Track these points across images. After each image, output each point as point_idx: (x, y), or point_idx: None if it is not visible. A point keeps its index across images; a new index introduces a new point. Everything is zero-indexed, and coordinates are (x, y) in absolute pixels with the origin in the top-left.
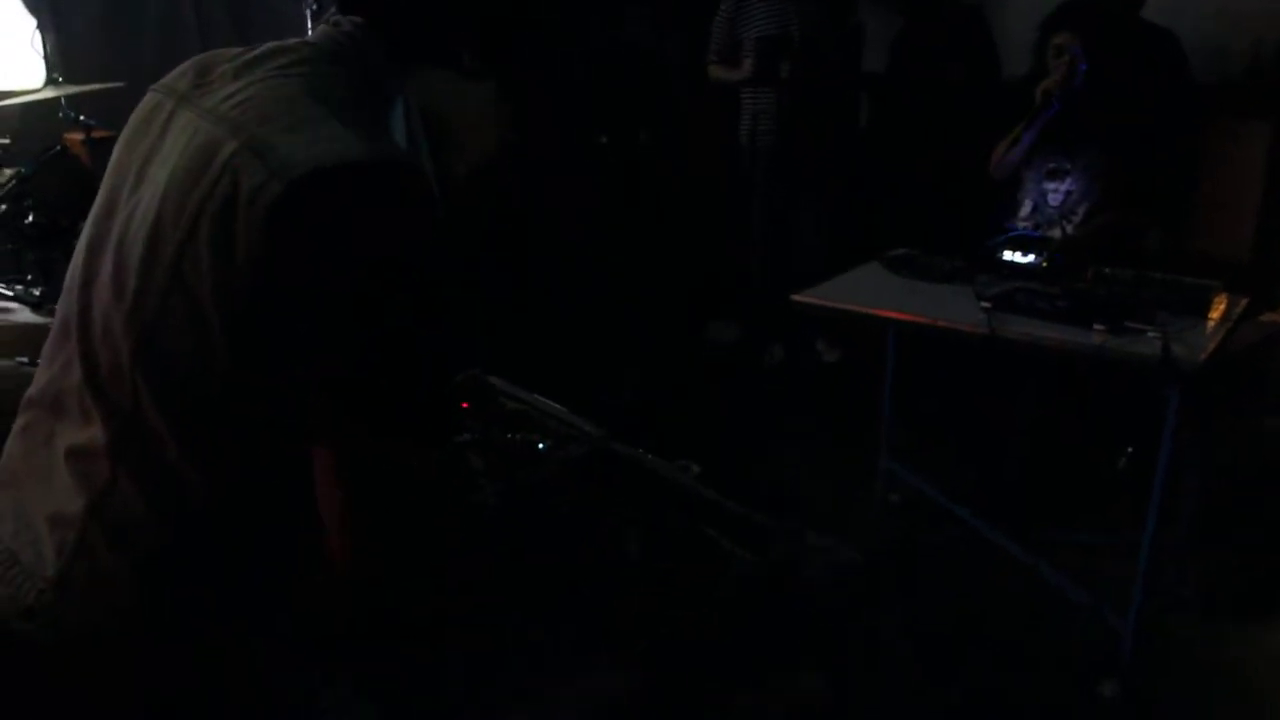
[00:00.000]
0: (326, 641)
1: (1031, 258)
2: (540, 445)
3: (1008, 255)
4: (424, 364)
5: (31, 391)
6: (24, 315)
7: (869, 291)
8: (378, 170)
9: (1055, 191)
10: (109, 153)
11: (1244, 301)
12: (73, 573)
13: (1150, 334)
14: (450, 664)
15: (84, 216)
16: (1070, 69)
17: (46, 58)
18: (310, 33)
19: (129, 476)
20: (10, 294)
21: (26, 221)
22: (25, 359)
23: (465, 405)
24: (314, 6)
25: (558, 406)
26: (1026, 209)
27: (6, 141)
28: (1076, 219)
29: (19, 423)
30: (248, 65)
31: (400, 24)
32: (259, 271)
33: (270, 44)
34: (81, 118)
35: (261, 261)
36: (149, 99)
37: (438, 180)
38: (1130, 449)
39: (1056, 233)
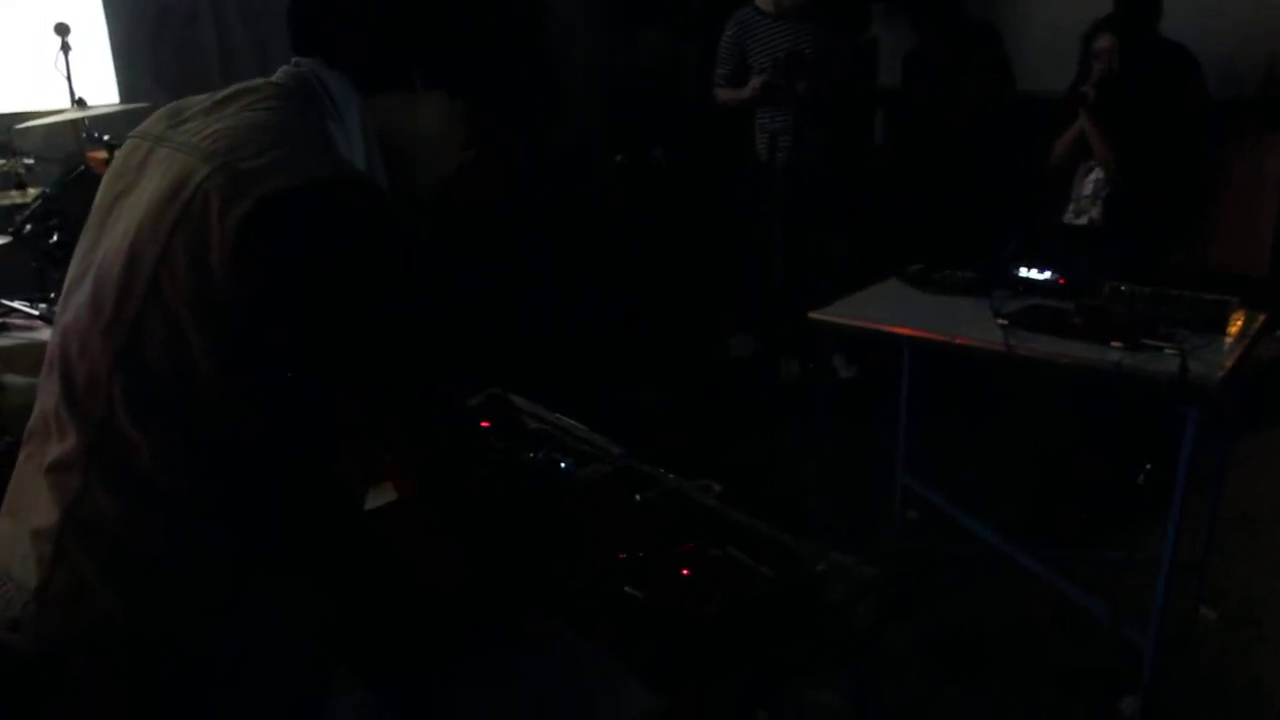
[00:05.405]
0: (316, 640)
1: (1048, 274)
2: (562, 465)
3: (1023, 271)
4: (405, 359)
5: (30, 424)
6: (48, 334)
7: (885, 308)
8: (338, 188)
9: (1088, 181)
10: None
11: (1262, 317)
12: (52, 582)
13: (1168, 351)
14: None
15: None
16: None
17: (69, 78)
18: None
19: (100, 483)
20: (35, 313)
21: (51, 241)
22: None
23: (487, 424)
24: None
25: (580, 425)
26: (1085, 190)
27: (30, 161)
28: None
29: (22, 456)
30: (217, 104)
31: (349, 58)
32: (232, 281)
33: (237, 85)
34: (106, 137)
35: (234, 272)
36: (127, 145)
37: (402, 200)
38: (1149, 465)
39: (1094, 214)
